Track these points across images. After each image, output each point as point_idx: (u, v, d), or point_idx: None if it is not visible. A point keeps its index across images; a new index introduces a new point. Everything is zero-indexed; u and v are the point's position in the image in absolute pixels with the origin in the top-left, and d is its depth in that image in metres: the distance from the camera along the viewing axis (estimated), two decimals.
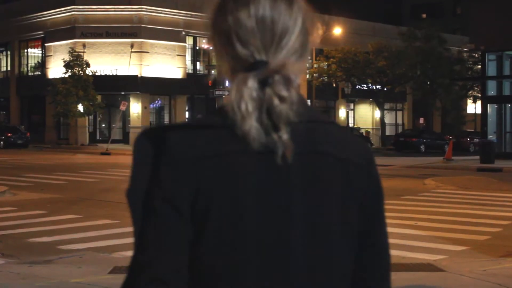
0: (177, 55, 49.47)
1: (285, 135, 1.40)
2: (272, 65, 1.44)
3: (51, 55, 49.92)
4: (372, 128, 63.22)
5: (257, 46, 1.46)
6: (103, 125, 50.46)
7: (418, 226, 11.95)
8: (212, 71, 46.46)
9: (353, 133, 1.61)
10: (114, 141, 44.93)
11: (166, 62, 48.69)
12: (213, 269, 1.41)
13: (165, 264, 1.40)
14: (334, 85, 58.86)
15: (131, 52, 47.17)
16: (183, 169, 1.41)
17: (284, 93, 1.41)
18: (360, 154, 1.53)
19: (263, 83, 1.42)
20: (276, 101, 1.41)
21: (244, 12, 1.46)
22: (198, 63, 52.24)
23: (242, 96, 1.41)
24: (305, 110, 1.46)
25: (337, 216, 1.47)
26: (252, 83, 1.42)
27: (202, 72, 51.36)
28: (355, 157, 1.51)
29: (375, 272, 1.55)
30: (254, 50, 1.46)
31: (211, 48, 1.58)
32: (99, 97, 45.75)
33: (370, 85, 57.84)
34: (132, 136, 47.67)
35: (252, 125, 1.40)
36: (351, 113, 61.46)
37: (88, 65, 44.94)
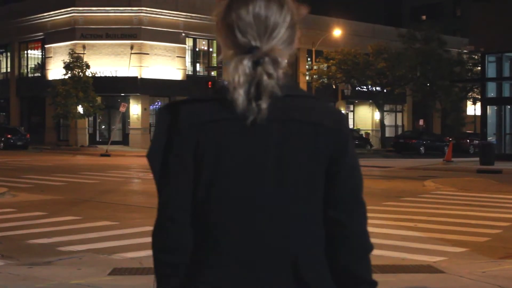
0: (177, 56, 49.47)
1: (264, 105, 1.85)
2: (263, 49, 1.89)
3: (51, 57, 49.94)
4: (372, 130, 63.24)
5: (253, 35, 1.90)
6: (103, 127, 50.46)
7: (418, 227, 11.95)
8: (212, 73, 46.54)
9: (328, 104, 2.02)
10: (114, 143, 44.93)
11: (166, 64, 48.69)
12: (209, 203, 1.91)
13: (176, 204, 1.93)
14: (333, 86, 58.89)
15: (131, 53, 47.18)
16: (187, 132, 1.91)
17: (271, 71, 1.87)
18: (330, 118, 1.95)
19: (256, 63, 1.86)
20: (265, 77, 1.85)
21: (244, 9, 1.91)
22: (198, 65, 52.25)
23: (237, 71, 1.86)
24: (289, 86, 1.92)
25: (304, 168, 1.90)
26: (246, 62, 1.86)
27: (202, 74, 51.37)
28: (326, 121, 1.93)
29: (345, 205, 1.96)
30: (251, 38, 1.90)
31: (217, 39, 2.01)
32: (99, 99, 45.76)
33: (370, 86, 57.85)
34: (132, 138, 47.71)
35: (240, 94, 1.85)
36: (350, 114, 61.45)
37: (88, 66, 44.95)
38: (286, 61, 1.98)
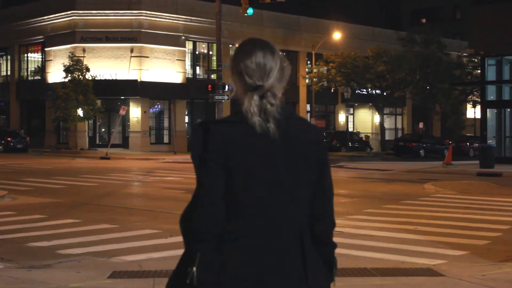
0: (177, 59, 49.49)
1: (272, 125, 2.75)
2: (266, 87, 2.78)
3: (51, 60, 49.95)
4: (372, 133, 63.24)
5: (257, 77, 2.80)
6: (103, 130, 50.46)
7: (418, 230, 11.94)
8: (212, 76, 46.52)
9: (311, 124, 2.93)
10: (114, 146, 44.92)
11: (165, 67, 48.71)
12: (237, 196, 2.75)
13: (209, 197, 2.73)
14: (333, 89, 58.91)
15: (131, 56, 47.20)
16: (218, 144, 2.74)
17: (272, 101, 2.77)
18: (314, 135, 2.87)
19: (261, 97, 2.77)
20: (268, 106, 2.76)
21: (248, 60, 2.81)
22: (197, 68, 52.26)
23: (251, 104, 2.75)
24: (286, 111, 2.81)
25: (303, 168, 2.81)
26: (256, 97, 2.76)
27: (201, 77, 51.38)
28: (311, 137, 2.86)
29: (323, 197, 2.90)
30: (256, 79, 2.79)
31: (231, 81, 2.90)
32: (98, 102, 45.77)
33: (369, 89, 57.87)
34: (132, 141, 47.71)
35: (256, 119, 2.74)
36: (350, 117, 61.43)
37: (88, 69, 44.95)
38: (281, 93, 2.83)
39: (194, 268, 2.72)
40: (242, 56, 2.83)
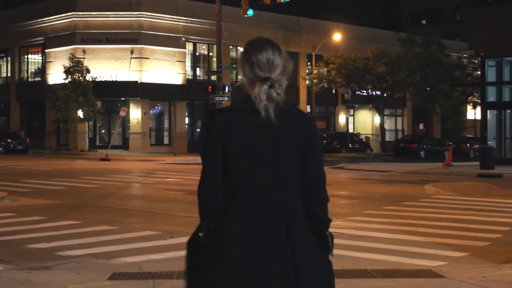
0: (177, 61, 49.49)
1: (271, 110, 3.23)
2: (273, 78, 3.30)
3: (51, 61, 49.95)
4: (372, 134, 63.24)
5: (266, 70, 3.31)
6: (103, 131, 50.45)
7: (418, 232, 11.93)
8: (212, 77, 46.50)
9: (307, 115, 3.45)
10: (114, 147, 44.91)
11: (166, 68, 48.71)
12: (232, 175, 3.27)
13: (214, 173, 3.27)
14: (334, 91, 58.91)
15: (131, 58, 47.20)
16: (219, 130, 3.26)
17: (278, 91, 3.29)
18: (304, 121, 3.36)
19: (270, 86, 3.27)
20: (275, 94, 3.27)
21: (261, 55, 3.31)
22: (198, 69, 52.26)
23: (261, 91, 3.25)
24: (287, 103, 3.31)
25: (292, 151, 3.28)
26: (265, 86, 3.26)
27: (202, 78, 51.37)
28: (301, 123, 3.34)
29: (314, 178, 3.38)
30: (266, 72, 3.30)
31: (239, 70, 3.45)
32: (99, 103, 45.77)
33: (369, 91, 57.87)
34: (132, 142, 47.71)
35: (263, 104, 3.23)
36: (351, 119, 61.44)
37: (88, 71, 44.93)
38: (285, 84, 3.36)
39: (201, 234, 3.34)
40: (254, 51, 3.34)
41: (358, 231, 11.97)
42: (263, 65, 3.30)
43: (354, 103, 60.10)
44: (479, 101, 43.13)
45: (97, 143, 48.97)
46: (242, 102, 3.32)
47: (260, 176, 3.27)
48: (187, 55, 50.63)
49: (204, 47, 52.48)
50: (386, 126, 61.12)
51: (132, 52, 47.23)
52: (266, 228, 3.22)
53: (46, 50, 50.86)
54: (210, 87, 39.71)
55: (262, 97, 3.23)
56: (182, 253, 9.32)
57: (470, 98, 59.88)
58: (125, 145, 48.16)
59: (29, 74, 54.48)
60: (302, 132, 3.32)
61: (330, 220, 3.41)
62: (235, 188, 3.28)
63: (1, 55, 56.96)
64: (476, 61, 53.63)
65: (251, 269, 3.17)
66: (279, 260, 3.18)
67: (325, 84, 56.42)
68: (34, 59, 53.99)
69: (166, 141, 50.27)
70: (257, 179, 3.28)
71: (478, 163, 32.04)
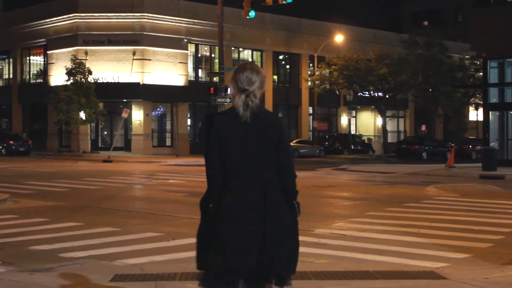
0: (179, 62, 49.52)
1: (248, 115, 4.76)
2: (250, 90, 4.83)
3: (53, 63, 49.99)
4: (374, 135, 63.24)
5: (245, 84, 4.84)
6: (105, 133, 50.48)
7: (420, 233, 11.92)
8: (214, 78, 46.53)
9: (275, 114, 5.08)
10: (116, 149, 44.93)
11: (168, 70, 48.74)
12: (226, 161, 4.83)
13: (215, 163, 4.84)
14: (336, 92, 58.90)
15: (133, 59, 47.23)
16: (216, 127, 4.79)
17: (254, 100, 4.81)
18: (275, 121, 4.88)
19: (246, 96, 4.80)
20: (250, 103, 4.79)
21: (242, 75, 4.87)
22: (200, 70, 52.30)
23: (239, 101, 4.80)
24: (260, 108, 4.82)
25: (266, 143, 4.79)
26: (243, 96, 4.81)
27: (204, 80, 51.41)
28: (272, 123, 4.85)
29: (283, 161, 4.86)
30: (245, 85, 4.84)
31: (230, 86, 4.97)
32: (101, 105, 45.79)
33: (371, 92, 57.86)
34: (134, 144, 47.75)
35: (240, 110, 4.77)
36: (353, 120, 61.46)
37: (90, 72, 44.97)
38: (259, 95, 4.85)
39: (211, 205, 4.91)
40: (238, 71, 4.95)
41: (361, 233, 11.96)
42: (243, 81, 4.87)
43: (356, 105, 60.10)
44: (481, 102, 43.13)
45: (99, 145, 49.00)
46: (230, 108, 4.87)
47: (247, 162, 4.82)
48: (189, 57, 50.66)
49: (206, 48, 52.51)
50: (388, 128, 61.10)
51: (134, 53, 47.26)
52: (252, 197, 4.79)
53: (48, 52, 50.91)
54: (212, 88, 39.75)
55: (239, 104, 4.80)
56: (184, 254, 9.25)
57: (472, 99, 59.85)
58: (127, 147, 48.18)
59: (31, 76, 54.54)
60: (273, 129, 4.85)
61: (297, 192, 4.95)
62: (229, 171, 4.84)
63: (3, 56, 57.04)
64: (478, 62, 53.62)
65: (240, 218, 4.79)
66: (257, 214, 4.79)
67: (327, 86, 56.42)
68: (36, 60, 54.04)
69: (168, 142, 50.29)
70: (244, 164, 4.82)
71: (480, 164, 32.01)
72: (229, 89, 38.73)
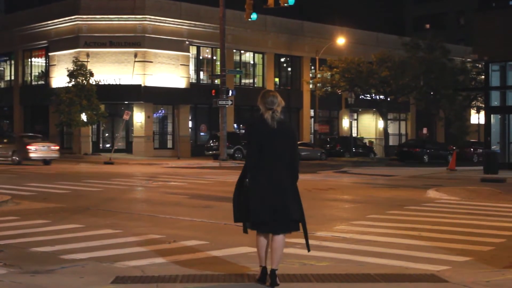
0: (181, 64, 49.56)
1: (275, 124, 7.79)
2: (274, 108, 7.84)
3: (55, 65, 50.05)
4: (376, 138, 63.21)
5: (270, 105, 7.82)
6: (106, 135, 50.49)
7: (421, 236, 11.91)
8: (216, 81, 46.57)
9: (291, 125, 8.30)
10: (118, 151, 44.98)
11: (169, 72, 48.77)
12: (261, 153, 7.76)
13: (256, 154, 7.77)
14: (339, 94, 58.91)
15: (135, 61, 47.28)
16: (255, 132, 7.82)
17: (277, 114, 7.86)
18: (290, 129, 8.04)
19: (272, 112, 7.82)
20: (275, 116, 7.84)
21: (268, 99, 7.85)
22: (201, 73, 52.34)
23: (268, 116, 7.81)
24: (282, 120, 7.88)
25: (286, 144, 7.83)
26: (270, 113, 7.81)
27: (205, 82, 51.45)
28: (290, 130, 8.01)
29: (293, 158, 7.91)
30: (270, 106, 7.81)
31: (259, 105, 8.04)
32: (102, 107, 45.82)
33: (373, 95, 57.86)
34: (135, 146, 47.76)
35: (269, 121, 7.80)
36: (354, 123, 61.48)
37: (91, 74, 45.02)
38: (280, 110, 7.81)
39: (247, 180, 7.71)
40: (266, 95, 7.77)
41: (362, 236, 11.95)
42: (270, 102, 7.71)
43: (358, 107, 60.11)
44: (483, 105, 43.09)
45: (101, 147, 49.02)
46: (263, 120, 7.72)
47: (273, 155, 7.65)
48: (190, 59, 50.70)
49: (207, 50, 52.54)
50: (390, 131, 61.09)
51: (135, 55, 47.31)
52: (276, 175, 7.64)
53: (49, 54, 50.97)
54: (213, 90, 39.80)
55: (268, 117, 7.68)
56: (186, 256, 9.29)
57: (474, 102, 59.84)
58: (128, 149, 48.20)
59: (32, 78, 54.59)
60: (290, 135, 7.84)
61: (298, 173, 7.93)
62: (262, 160, 7.64)
63: (5, 58, 57.10)
64: (480, 66, 53.60)
65: (270, 185, 7.64)
66: (279, 183, 7.66)
67: (329, 88, 56.45)
68: (38, 62, 54.10)
69: (169, 144, 50.31)
70: (272, 157, 7.65)
71: (481, 167, 31.98)
72: (230, 91, 38.86)
